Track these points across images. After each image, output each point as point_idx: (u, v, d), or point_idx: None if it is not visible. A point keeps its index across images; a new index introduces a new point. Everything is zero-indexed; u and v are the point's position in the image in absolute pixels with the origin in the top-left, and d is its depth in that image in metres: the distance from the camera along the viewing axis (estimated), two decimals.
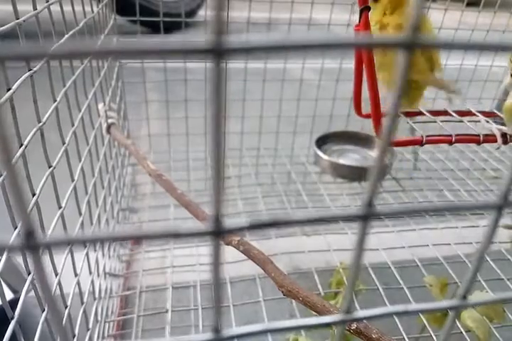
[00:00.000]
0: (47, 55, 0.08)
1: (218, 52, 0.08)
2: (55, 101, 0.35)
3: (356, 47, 0.09)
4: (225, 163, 0.10)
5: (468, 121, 0.53)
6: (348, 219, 0.11)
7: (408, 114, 0.57)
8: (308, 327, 0.13)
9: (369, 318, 0.13)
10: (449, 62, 0.89)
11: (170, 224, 0.70)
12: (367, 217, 0.11)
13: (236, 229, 0.10)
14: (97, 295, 0.49)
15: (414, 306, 0.14)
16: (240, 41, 0.08)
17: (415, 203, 0.79)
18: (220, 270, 0.11)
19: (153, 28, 0.85)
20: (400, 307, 0.13)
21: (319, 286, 0.57)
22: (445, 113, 0.57)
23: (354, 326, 0.33)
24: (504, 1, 0.85)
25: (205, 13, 0.82)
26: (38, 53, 0.09)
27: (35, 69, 0.31)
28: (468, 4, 0.84)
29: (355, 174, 0.76)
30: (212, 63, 0.08)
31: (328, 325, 0.13)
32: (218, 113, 0.08)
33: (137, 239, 0.10)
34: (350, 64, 0.51)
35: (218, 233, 0.10)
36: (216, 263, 0.11)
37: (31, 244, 0.09)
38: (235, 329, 0.12)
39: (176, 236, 0.10)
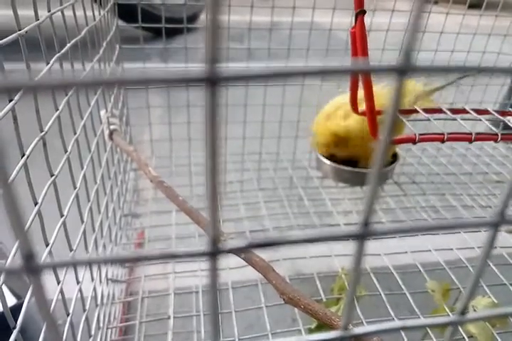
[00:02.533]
0: (32, 88, 0.08)
1: (213, 81, 0.08)
2: (57, 110, 0.36)
3: (351, 74, 0.09)
4: (220, 185, 0.10)
5: (462, 119, 0.53)
6: (346, 237, 0.11)
7: (402, 112, 0.57)
8: None
9: (368, 335, 0.14)
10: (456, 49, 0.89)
11: (171, 231, 0.70)
12: (363, 236, 0.11)
13: (234, 249, 0.10)
14: (99, 302, 0.49)
15: (412, 322, 0.14)
16: (235, 69, 0.08)
17: (417, 208, 0.79)
18: (218, 290, 0.11)
19: (156, 33, 0.86)
20: (398, 323, 0.13)
21: (321, 292, 0.57)
22: (439, 111, 0.57)
23: None
24: (506, 4, 0.85)
25: (205, 18, 0.82)
26: (23, 85, 0.09)
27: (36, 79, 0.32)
28: (470, 6, 0.84)
29: (357, 179, 0.76)
30: (208, 92, 0.08)
31: None
32: (214, 142, 0.08)
33: (136, 260, 0.10)
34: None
35: (215, 254, 0.10)
36: (213, 283, 0.11)
37: (31, 267, 0.10)
38: None
39: (174, 257, 0.10)
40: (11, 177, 0.27)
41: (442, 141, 0.50)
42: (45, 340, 0.34)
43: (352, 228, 0.11)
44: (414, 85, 0.66)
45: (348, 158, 0.69)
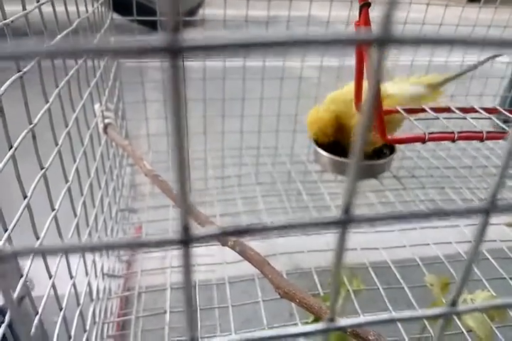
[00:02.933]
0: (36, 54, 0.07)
1: (173, 51, 0.07)
2: (47, 102, 0.35)
3: (333, 44, 0.09)
4: (189, 168, 0.09)
5: (472, 118, 0.53)
6: (326, 225, 0.11)
7: (410, 111, 0.56)
8: (290, 336, 0.13)
9: (353, 326, 0.13)
10: (451, 59, 0.89)
11: (168, 226, 0.70)
12: (345, 223, 0.11)
13: (205, 236, 0.10)
14: (94, 297, 0.48)
15: (400, 314, 0.13)
16: (196, 39, 0.07)
17: (416, 201, 0.79)
18: (191, 278, 0.10)
19: (152, 27, 0.85)
20: (384, 316, 0.13)
21: (318, 286, 0.57)
22: (448, 110, 0.56)
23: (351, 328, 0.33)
24: None
25: (203, 12, 0.81)
26: (27, 52, 0.08)
27: (24, 69, 0.31)
28: (470, 0, 0.83)
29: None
30: (168, 62, 0.07)
31: (311, 334, 0.13)
32: (178, 114, 0.08)
33: (109, 248, 0.10)
34: (350, 61, 0.50)
35: (187, 241, 0.10)
36: (187, 271, 0.10)
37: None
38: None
39: (145, 245, 0.10)
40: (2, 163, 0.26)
41: (453, 139, 0.49)
42: (36, 336, 0.33)
43: (332, 215, 0.11)
44: (428, 78, 0.65)
45: (342, 144, 0.68)
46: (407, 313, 0.13)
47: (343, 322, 0.13)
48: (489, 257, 0.62)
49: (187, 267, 0.10)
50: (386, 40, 0.08)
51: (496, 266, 0.60)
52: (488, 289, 0.56)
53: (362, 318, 0.13)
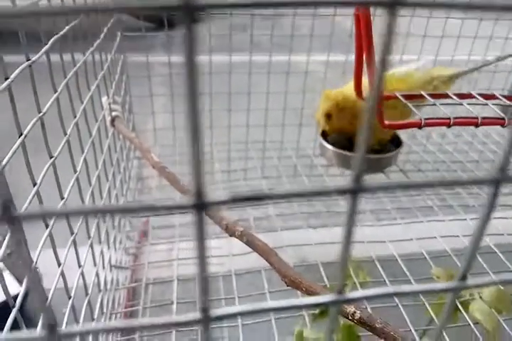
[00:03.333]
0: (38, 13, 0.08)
1: (189, 9, 0.07)
2: (55, 91, 0.35)
3: (338, 5, 0.09)
4: (202, 134, 0.09)
5: (468, 104, 0.52)
6: (337, 193, 0.11)
7: (408, 97, 0.56)
8: (300, 308, 0.13)
9: (362, 299, 0.13)
10: (457, 53, 0.88)
11: (175, 218, 0.70)
12: (356, 191, 0.11)
13: (219, 202, 0.10)
14: (102, 287, 0.49)
15: (406, 288, 0.13)
16: None
17: (422, 195, 0.79)
18: (205, 245, 0.11)
19: (158, 24, 0.85)
20: (393, 289, 0.13)
21: (325, 279, 0.57)
22: (445, 95, 0.56)
23: (358, 316, 0.33)
24: None
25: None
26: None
27: (33, 59, 0.31)
28: None
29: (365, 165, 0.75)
30: (184, 22, 0.08)
31: (319, 305, 0.13)
32: (194, 78, 0.08)
33: (121, 212, 0.10)
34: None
35: (201, 206, 0.10)
36: (200, 237, 0.10)
37: (8, 215, 0.09)
38: (222, 310, 0.12)
39: (158, 208, 0.10)
40: (7, 157, 0.26)
41: (448, 125, 0.49)
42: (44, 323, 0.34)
43: (343, 184, 0.11)
44: (439, 70, 0.65)
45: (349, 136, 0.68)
46: (414, 287, 0.13)
47: (352, 294, 0.13)
48: (497, 251, 0.61)
49: (200, 233, 0.10)
50: (397, 3, 0.08)
51: (504, 259, 0.60)
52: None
53: (370, 291, 0.13)
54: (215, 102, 0.80)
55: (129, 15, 0.92)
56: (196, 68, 0.08)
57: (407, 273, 0.57)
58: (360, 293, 0.13)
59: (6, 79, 0.28)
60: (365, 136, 0.11)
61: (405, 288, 0.13)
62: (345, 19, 0.79)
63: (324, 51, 0.83)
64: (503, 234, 0.66)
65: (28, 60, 0.31)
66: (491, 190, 0.12)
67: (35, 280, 0.10)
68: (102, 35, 0.53)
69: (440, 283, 0.14)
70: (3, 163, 0.26)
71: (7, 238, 0.27)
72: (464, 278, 0.14)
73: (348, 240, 0.12)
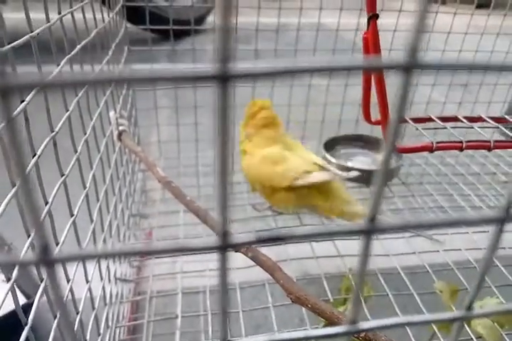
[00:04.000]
0: (45, 85, 0.08)
1: (224, 79, 0.08)
2: (67, 110, 0.36)
3: (359, 70, 0.10)
4: (231, 181, 0.10)
5: (479, 127, 0.53)
6: (352, 233, 0.12)
7: (417, 121, 0.57)
8: (313, 338, 0.14)
9: (373, 329, 0.14)
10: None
11: (179, 239, 0.70)
12: (370, 231, 0.11)
13: (243, 243, 0.11)
14: (107, 301, 0.49)
15: (418, 318, 0.14)
16: (245, 68, 0.08)
17: (425, 209, 0.79)
18: (228, 283, 0.11)
19: (164, 35, 0.86)
20: (403, 319, 0.14)
21: (328, 292, 0.57)
22: (455, 119, 0.57)
23: (363, 333, 0.33)
24: None
25: (213, 20, 0.83)
26: (36, 83, 0.09)
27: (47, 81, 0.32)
28: (478, 6, 0.84)
29: (364, 177, 0.76)
30: (219, 89, 0.08)
31: (333, 336, 0.14)
32: (225, 138, 0.09)
33: (146, 253, 0.11)
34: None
35: (225, 247, 0.11)
36: (223, 277, 0.11)
37: (47, 259, 0.10)
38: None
39: (184, 250, 0.11)
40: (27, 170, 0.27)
41: (461, 149, 0.50)
42: (55, 339, 0.34)
43: (358, 224, 0.12)
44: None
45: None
46: (424, 316, 0.14)
47: (365, 324, 0.14)
48: (498, 264, 0.62)
49: (224, 272, 0.11)
50: (413, 66, 0.09)
51: (506, 273, 0.61)
52: (497, 296, 0.56)
53: (382, 321, 0.14)
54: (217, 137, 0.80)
55: (136, 26, 0.94)
56: (228, 135, 0.08)
57: (410, 287, 0.58)
58: (372, 323, 0.14)
59: (22, 101, 0.29)
60: (381, 177, 0.11)
61: (416, 318, 0.14)
62: (348, 31, 0.81)
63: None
64: (504, 248, 0.66)
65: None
66: (496, 229, 0.12)
67: (66, 319, 0.11)
68: (110, 52, 0.54)
69: (448, 312, 0.14)
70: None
71: None
72: (469, 307, 0.15)
73: (361, 275, 0.12)
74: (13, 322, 0.33)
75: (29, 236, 0.28)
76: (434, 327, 0.53)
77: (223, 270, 0.11)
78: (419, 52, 0.09)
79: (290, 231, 0.11)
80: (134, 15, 0.85)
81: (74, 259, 0.10)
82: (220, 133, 0.09)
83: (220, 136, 0.09)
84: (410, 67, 0.09)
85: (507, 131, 0.52)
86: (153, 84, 0.08)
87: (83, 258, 0.11)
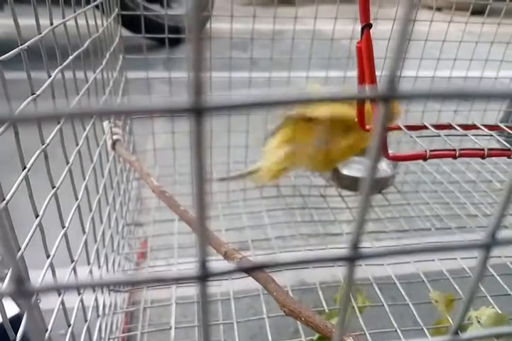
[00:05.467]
0: (15, 119, 0.08)
1: (198, 111, 0.08)
2: (58, 123, 0.36)
3: (340, 100, 0.09)
4: (208, 212, 0.10)
5: (473, 135, 0.53)
6: (335, 260, 0.11)
7: (411, 128, 0.56)
8: None
9: None
10: (454, 73, 0.90)
11: (174, 240, 0.70)
12: (353, 258, 0.11)
13: (223, 272, 0.10)
14: (100, 312, 0.49)
15: None
16: (219, 100, 0.08)
17: (421, 217, 0.79)
18: (209, 312, 0.11)
19: (160, 42, 0.87)
20: None
21: (323, 302, 0.57)
22: (449, 127, 0.56)
23: None
24: (509, 10, 0.85)
25: (210, 28, 0.83)
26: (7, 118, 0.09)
27: (38, 92, 0.32)
28: (474, 13, 0.84)
29: (359, 185, 0.76)
30: (193, 121, 0.08)
31: None
32: (201, 167, 0.08)
33: (128, 284, 0.10)
34: (353, 72, 0.51)
35: (204, 277, 0.10)
36: (204, 305, 0.11)
37: (22, 291, 0.10)
38: None
39: (164, 280, 0.10)
40: (11, 192, 0.27)
41: (454, 157, 0.50)
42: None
43: (341, 250, 0.11)
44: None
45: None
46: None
47: None
48: (494, 273, 0.62)
49: (204, 302, 0.11)
50: (391, 97, 0.09)
51: (501, 282, 0.60)
52: (492, 306, 0.56)
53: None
54: (215, 122, 0.80)
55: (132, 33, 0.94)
56: (204, 161, 0.08)
57: (406, 297, 0.57)
58: None
59: None
60: (367, 190, 0.11)
61: None
62: (343, 39, 0.81)
63: (323, 68, 0.84)
64: (500, 257, 0.66)
65: (32, 93, 0.32)
66: (483, 255, 0.12)
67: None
68: (104, 61, 0.54)
69: (435, 338, 0.14)
70: (7, 198, 0.26)
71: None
72: (456, 332, 0.15)
73: (346, 300, 0.12)
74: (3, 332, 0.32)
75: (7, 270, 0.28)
76: (429, 337, 0.52)
77: (204, 301, 0.11)
78: (397, 80, 0.09)
79: (270, 260, 0.11)
80: (131, 21, 0.85)
81: (50, 290, 0.10)
82: (196, 162, 0.09)
83: (196, 167, 0.08)
84: (388, 97, 0.09)
85: (500, 140, 0.52)
86: (127, 115, 0.08)
87: (60, 289, 0.10)
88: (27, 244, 0.29)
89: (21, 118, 0.08)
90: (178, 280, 0.10)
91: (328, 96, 0.09)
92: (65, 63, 0.38)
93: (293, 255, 0.11)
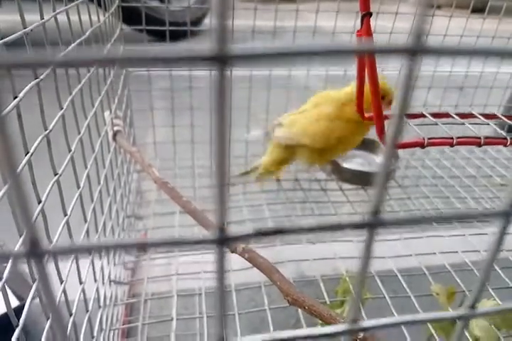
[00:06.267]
0: (53, 63, 0.08)
1: (222, 60, 0.08)
2: (61, 108, 0.36)
3: (359, 54, 0.09)
4: (228, 171, 0.10)
5: (470, 124, 0.53)
6: (354, 227, 0.11)
7: (410, 117, 0.56)
8: (314, 337, 0.13)
9: (376, 328, 0.13)
10: (455, 69, 0.90)
11: (174, 233, 0.70)
12: (373, 225, 0.11)
13: (241, 236, 0.10)
14: (101, 303, 0.49)
15: (421, 316, 0.13)
16: (244, 48, 0.08)
17: (422, 211, 0.79)
18: (225, 279, 0.11)
19: (160, 37, 0.86)
20: (407, 317, 0.13)
21: (325, 294, 0.57)
22: (447, 115, 0.56)
23: (361, 335, 0.33)
24: (509, 7, 0.85)
25: (210, 22, 0.82)
26: (44, 61, 0.09)
27: (41, 77, 0.32)
28: (474, 11, 0.84)
29: (359, 178, 0.76)
30: (216, 71, 0.08)
31: (334, 335, 0.13)
32: (222, 122, 0.08)
33: (142, 247, 0.10)
34: (354, 71, 0.51)
35: (223, 241, 0.10)
36: (221, 271, 0.11)
37: (36, 252, 0.09)
38: (239, 340, 0.12)
39: (181, 244, 0.10)
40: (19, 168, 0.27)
41: (451, 145, 0.50)
42: (48, 340, 0.34)
43: (360, 218, 0.11)
44: None
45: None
46: (428, 315, 0.13)
47: (366, 323, 0.13)
48: (496, 267, 0.62)
49: (221, 267, 0.10)
50: (419, 51, 0.09)
51: (502, 275, 0.60)
52: (494, 298, 0.55)
53: (385, 319, 0.13)
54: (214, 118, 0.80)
55: (131, 28, 0.94)
56: (227, 113, 0.08)
57: (407, 290, 0.57)
58: (374, 321, 0.13)
59: (15, 97, 0.28)
60: (384, 170, 0.11)
61: (420, 316, 0.13)
62: (344, 33, 0.81)
63: (323, 66, 0.84)
64: (502, 250, 0.66)
65: (35, 77, 0.32)
66: (502, 223, 0.12)
67: (59, 319, 0.10)
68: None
69: (451, 311, 0.14)
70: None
71: None
72: (473, 306, 0.14)
73: (364, 272, 0.12)
74: (5, 323, 0.32)
75: (21, 235, 0.28)
76: (432, 330, 0.52)
77: (221, 265, 0.10)
78: (424, 36, 0.09)
79: (290, 225, 0.11)
80: (130, 16, 0.85)
81: (65, 252, 0.10)
82: (218, 119, 0.08)
83: (218, 122, 0.08)
84: (416, 50, 0.09)
85: (497, 128, 0.52)
86: (146, 65, 0.08)
87: (75, 251, 0.10)
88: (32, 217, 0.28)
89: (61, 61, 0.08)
90: (197, 243, 0.10)
91: (346, 48, 0.09)
92: (66, 50, 0.38)
93: (312, 221, 0.11)
